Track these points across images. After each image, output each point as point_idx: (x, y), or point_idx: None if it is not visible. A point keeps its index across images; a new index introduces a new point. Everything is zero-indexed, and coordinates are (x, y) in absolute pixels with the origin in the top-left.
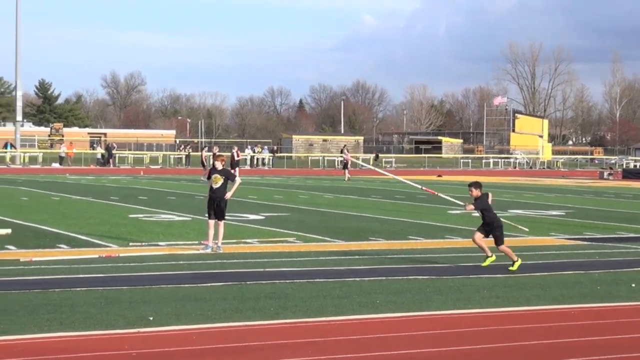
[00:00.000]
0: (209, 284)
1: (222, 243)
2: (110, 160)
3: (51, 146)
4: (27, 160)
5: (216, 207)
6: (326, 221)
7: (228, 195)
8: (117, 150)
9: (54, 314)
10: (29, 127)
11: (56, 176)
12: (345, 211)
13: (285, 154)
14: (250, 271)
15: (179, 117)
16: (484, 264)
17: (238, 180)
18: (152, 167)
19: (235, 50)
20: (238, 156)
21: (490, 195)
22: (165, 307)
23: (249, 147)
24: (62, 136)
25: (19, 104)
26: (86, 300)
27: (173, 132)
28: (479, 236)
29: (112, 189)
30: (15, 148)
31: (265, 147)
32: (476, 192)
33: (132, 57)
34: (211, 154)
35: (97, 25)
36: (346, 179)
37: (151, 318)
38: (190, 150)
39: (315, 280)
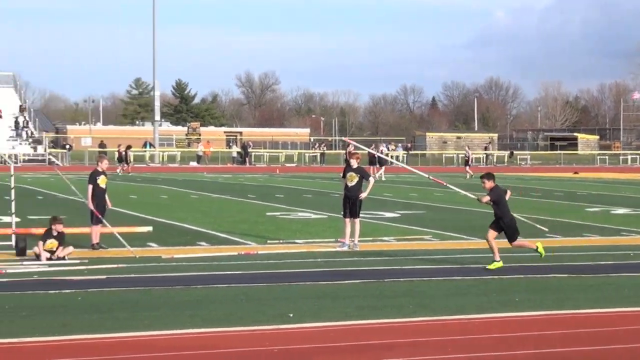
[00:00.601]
0: (347, 282)
1: (359, 241)
2: (247, 159)
3: (188, 145)
4: (165, 159)
5: (351, 205)
6: (462, 219)
7: (363, 195)
8: (252, 148)
9: (195, 310)
10: (166, 127)
11: (194, 174)
12: (481, 208)
13: (419, 152)
14: (388, 269)
15: (313, 116)
16: (490, 267)
17: (372, 179)
18: (288, 165)
19: (368, 49)
20: (382, 154)
21: (509, 192)
22: (304, 305)
23: (383, 144)
24: (199, 135)
25: (157, 104)
26: (227, 297)
27: (307, 130)
28: (492, 234)
29: (249, 187)
30: (154, 147)
31: (399, 144)
32: (489, 184)
33: (266, 57)
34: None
35: (232, 26)
36: (468, 176)
37: (291, 315)
38: (325, 148)
39: (453, 278)
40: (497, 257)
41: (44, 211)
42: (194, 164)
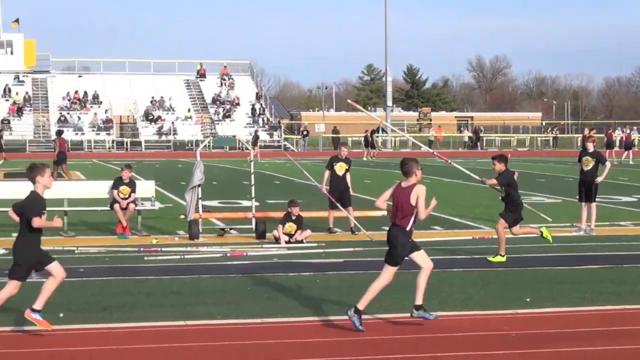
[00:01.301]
0: (584, 267)
1: (595, 225)
2: (478, 143)
3: (420, 130)
4: (397, 144)
5: (587, 189)
6: None
7: (599, 179)
8: (484, 133)
9: (433, 294)
10: (398, 112)
11: (426, 159)
12: None
13: None
14: (626, 254)
15: (545, 99)
16: (491, 259)
17: (608, 164)
18: (520, 149)
19: (601, 30)
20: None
21: (517, 173)
22: (542, 289)
23: (619, 128)
24: (431, 120)
25: (389, 90)
26: (464, 281)
27: (539, 114)
28: (503, 224)
29: (481, 172)
30: (386, 133)
31: (634, 128)
32: (500, 166)
33: (497, 41)
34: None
35: (464, 11)
36: None
37: (528, 300)
38: (558, 132)
39: None
40: (503, 251)
41: (282, 195)
42: (425, 149)
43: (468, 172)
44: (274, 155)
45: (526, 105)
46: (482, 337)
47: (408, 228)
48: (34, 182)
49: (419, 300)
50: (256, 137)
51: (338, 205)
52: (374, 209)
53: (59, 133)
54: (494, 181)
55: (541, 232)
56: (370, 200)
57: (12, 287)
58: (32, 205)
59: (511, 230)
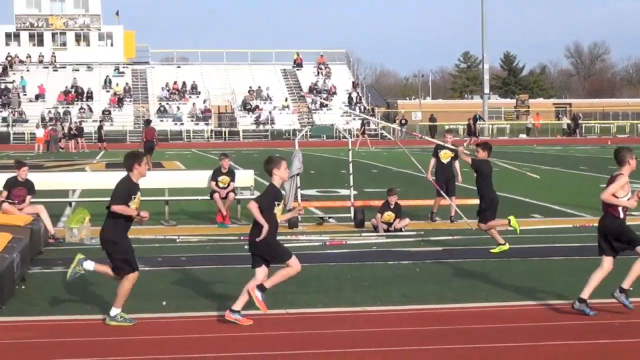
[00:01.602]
0: None
1: None
2: (577, 131)
3: (517, 118)
4: (494, 132)
5: None
6: None
7: None
8: (582, 120)
9: (535, 283)
10: (495, 100)
11: (524, 147)
12: None
13: None
14: None
15: None
16: (494, 251)
17: None
18: (619, 136)
19: None
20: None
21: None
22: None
23: None
24: (528, 107)
25: (486, 77)
26: (563, 270)
27: (639, 100)
28: (486, 226)
29: (581, 159)
30: (484, 120)
31: None
32: (482, 154)
33: (596, 26)
34: None
35: None
36: None
37: (631, 289)
38: None
39: None
40: (501, 240)
41: (379, 184)
42: (523, 136)
43: (442, 144)
44: (372, 144)
45: (626, 91)
46: (585, 326)
47: (621, 216)
48: (271, 174)
49: (626, 285)
50: (363, 125)
51: (442, 192)
52: (473, 198)
53: (147, 122)
54: (468, 158)
55: (509, 221)
56: (468, 188)
57: (262, 275)
58: (264, 194)
59: (480, 226)
